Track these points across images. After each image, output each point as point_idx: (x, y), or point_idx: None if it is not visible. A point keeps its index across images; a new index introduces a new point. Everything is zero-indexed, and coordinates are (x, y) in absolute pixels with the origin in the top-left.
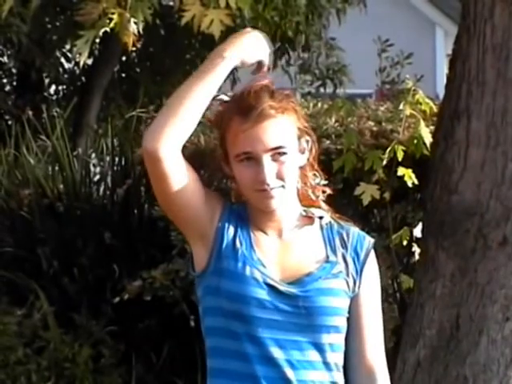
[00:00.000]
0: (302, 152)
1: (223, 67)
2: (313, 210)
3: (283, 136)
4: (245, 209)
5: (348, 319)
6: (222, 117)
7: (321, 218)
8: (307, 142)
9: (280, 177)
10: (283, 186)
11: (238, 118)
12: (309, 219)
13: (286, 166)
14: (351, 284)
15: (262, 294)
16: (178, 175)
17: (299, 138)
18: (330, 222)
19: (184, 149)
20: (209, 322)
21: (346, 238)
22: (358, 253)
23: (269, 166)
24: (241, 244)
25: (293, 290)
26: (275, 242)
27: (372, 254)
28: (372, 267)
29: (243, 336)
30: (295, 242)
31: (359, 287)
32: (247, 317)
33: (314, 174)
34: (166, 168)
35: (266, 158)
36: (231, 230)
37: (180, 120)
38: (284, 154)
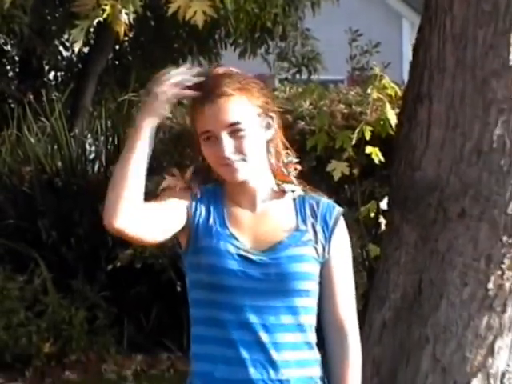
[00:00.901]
0: (268, 127)
1: (141, 136)
2: (286, 184)
3: (240, 113)
4: (222, 186)
5: (321, 282)
6: (191, 101)
7: (293, 191)
8: (272, 118)
9: (240, 151)
10: (244, 160)
11: (200, 100)
12: (281, 193)
13: (245, 141)
14: (320, 250)
15: (236, 265)
16: (146, 226)
17: (260, 115)
18: (302, 195)
19: (171, 129)
20: (193, 294)
21: (315, 208)
22: (326, 221)
23: (227, 142)
24: (214, 222)
25: (265, 258)
26: (249, 214)
27: (341, 221)
28: (341, 234)
29: (222, 305)
30: (268, 213)
31: (328, 253)
32: (224, 287)
33: (287, 153)
34: (132, 232)
35: (224, 135)
36: (203, 213)
37: (124, 196)
38: (241, 129)
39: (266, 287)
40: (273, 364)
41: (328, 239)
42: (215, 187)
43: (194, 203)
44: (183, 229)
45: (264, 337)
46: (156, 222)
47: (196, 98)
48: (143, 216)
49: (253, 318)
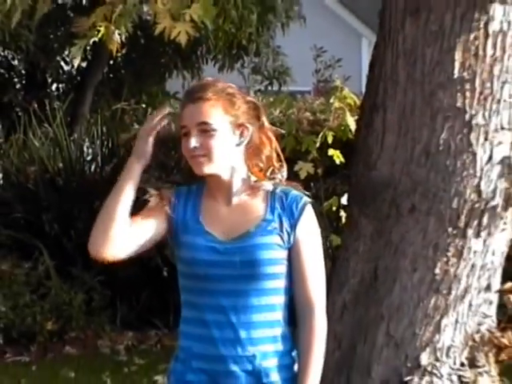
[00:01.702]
0: (241, 135)
1: (130, 176)
2: (262, 182)
3: (212, 116)
4: (203, 184)
5: (291, 266)
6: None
7: (267, 187)
8: (246, 128)
9: (205, 147)
10: (207, 155)
11: (185, 101)
12: (256, 188)
13: (211, 140)
14: (285, 237)
15: (208, 256)
16: (132, 248)
17: (233, 123)
18: (274, 189)
19: (158, 134)
20: (179, 281)
21: (284, 199)
22: (292, 210)
23: (195, 136)
24: (189, 218)
25: (233, 247)
26: (223, 207)
27: (307, 210)
28: (308, 221)
29: (198, 290)
30: (240, 207)
31: (294, 239)
32: (199, 275)
33: (281, 165)
34: (121, 256)
35: (194, 131)
36: (180, 212)
37: (112, 231)
38: (210, 130)
39: (235, 273)
40: (240, 342)
41: (293, 227)
42: (198, 185)
43: (171, 207)
44: (168, 229)
45: (234, 318)
46: (140, 241)
47: (183, 100)
48: (129, 241)
49: (224, 301)
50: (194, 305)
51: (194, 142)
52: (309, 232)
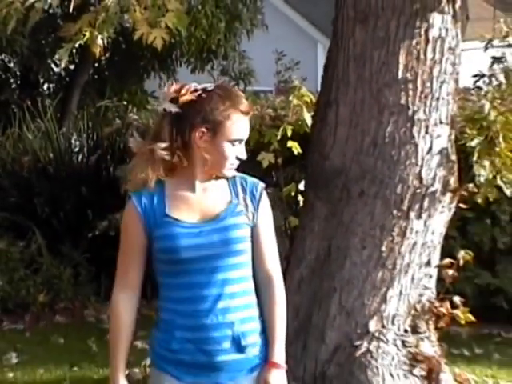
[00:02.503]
0: None
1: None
2: None
3: None
4: (160, 183)
5: (252, 242)
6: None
7: (228, 175)
8: None
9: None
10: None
11: (235, 108)
12: (219, 177)
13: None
14: (251, 217)
15: (186, 241)
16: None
17: None
18: (234, 177)
19: (138, 128)
20: (156, 267)
21: (244, 185)
22: (254, 194)
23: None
24: (158, 214)
25: (208, 228)
26: (190, 195)
27: (264, 194)
28: (265, 203)
29: (178, 272)
30: (207, 193)
31: (257, 219)
32: (179, 260)
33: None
34: None
35: (243, 143)
36: (149, 212)
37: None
38: None
39: (212, 253)
40: (220, 311)
41: (256, 208)
42: (146, 186)
43: (141, 215)
44: (144, 233)
45: (213, 291)
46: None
47: (230, 103)
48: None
49: (203, 278)
50: (173, 285)
51: (244, 154)
52: (267, 213)
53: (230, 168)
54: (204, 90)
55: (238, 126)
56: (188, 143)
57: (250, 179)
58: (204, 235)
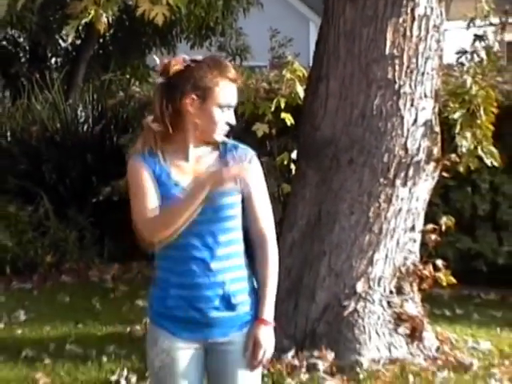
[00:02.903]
0: None
1: (199, 199)
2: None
3: None
4: (153, 150)
5: (245, 206)
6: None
7: (218, 140)
8: None
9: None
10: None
11: (221, 76)
12: (212, 144)
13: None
14: (239, 184)
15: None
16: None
17: None
18: (226, 145)
19: (140, 100)
20: None
21: (234, 152)
22: (242, 161)
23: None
24: (162, 174)
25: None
26: (185, 162)
27: (254, 160)
28: (255, 169)
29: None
30: (200, 161)
31: (247, 185)
32: None
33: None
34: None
35: (231, 108)
36: (156, 170)
37: (171, 233)
38: None
39: (203, 218)
40: (212, 272)
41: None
42: (151, 152)
43: (148, 166)
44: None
45: (205, 253)
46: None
47: (216, 72)
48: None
49: (197, 241)
50: (168, 245)
51: (234, 119)
52: (257, 178)
53: (219, 133)
54: (193, 60)
55: (226, 92)
56: (179, 110)
57: (240, 146)
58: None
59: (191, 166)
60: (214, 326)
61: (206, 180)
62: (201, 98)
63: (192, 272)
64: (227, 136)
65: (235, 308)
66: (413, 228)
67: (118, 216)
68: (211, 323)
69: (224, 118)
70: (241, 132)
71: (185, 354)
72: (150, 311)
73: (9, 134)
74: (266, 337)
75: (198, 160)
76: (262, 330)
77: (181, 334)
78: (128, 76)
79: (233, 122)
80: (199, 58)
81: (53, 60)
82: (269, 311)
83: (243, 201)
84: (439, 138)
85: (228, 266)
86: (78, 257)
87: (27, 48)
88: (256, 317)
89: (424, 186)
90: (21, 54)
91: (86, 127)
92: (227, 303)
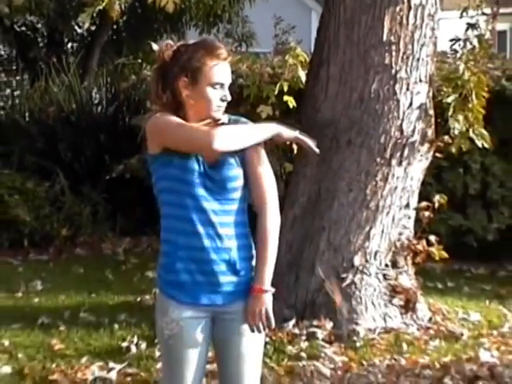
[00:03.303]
0: None
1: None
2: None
3: None
4: None
5: (249, 178)
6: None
7: (224, 118)
8: None
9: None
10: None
11: (211, 56)
12: (217, 120)
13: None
14: (242, 156)
15: (197, 167)
16: None
17: None
18: (228, 119)
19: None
20: (160, 184)
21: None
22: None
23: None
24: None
25: (210, 168)
26: None
27: None
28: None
29: (184, 193)
30: None
31: (249, 157)
32: (188, 181)
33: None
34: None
35: (226, 86)
36: None
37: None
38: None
39: (214, 187)
40: (219, 237)
41: (243, 151)
42: None
43: None
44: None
45: (213, 218)
46: None
47: (205, 53)
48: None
49: (206, 205)
50: (179, 205)
51: (228, 96)
52: (259, 152)
53: (217, 110)
54: (183, 44)
55: (216, 70)
56: (175, 93)
57: (243, 120)
58: (206, 174)
59: None
60: (219, 291)
61: (278, 127)
62: (192, 79)
63: (201, 235)
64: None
65: (239, 274)
66: (407, 205)
67: (130, 193)
68: (217, 288)
69: (217, 96)
70: (246, 114)
71: (193, 323)
72: (159, 281)
73: (27, 114)
74: (265, 303)
75: None
76: (260, 296)
77: (188, 302)
78: (140, 60)
79: (228, 98)
80: (190, 42)
81: (69, 45)
82: (267, 278)
83: (245, 176)
84: (433, 120)
85: (234, 233)
86: (92, 231)
87: (45, 33)
88: (254, 284)
89: (418, 165)
90: (39, 39)
91: (99, 108)
92: (232, 268)
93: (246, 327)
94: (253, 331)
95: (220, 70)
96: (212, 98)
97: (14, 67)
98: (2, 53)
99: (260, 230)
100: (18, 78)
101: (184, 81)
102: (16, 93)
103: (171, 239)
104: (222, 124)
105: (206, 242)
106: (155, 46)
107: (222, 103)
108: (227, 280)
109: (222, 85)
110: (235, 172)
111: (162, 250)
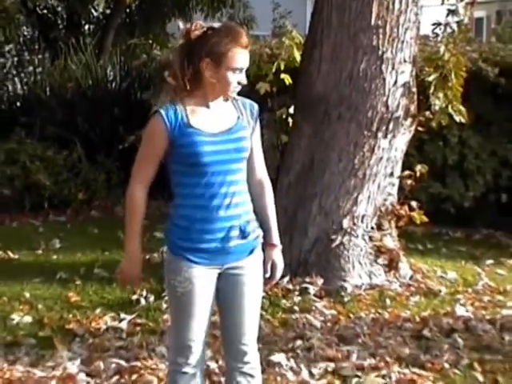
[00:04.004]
0: None
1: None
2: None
3: None
4: (177, 103)
5: (252, 150)
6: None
7: (232, 96)
8: None
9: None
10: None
11: (234, 43)
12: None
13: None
14: (250, 131)
15: (205, 148)
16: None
17: None
18: (237, 99)
19: (159, 62)
20: (175, 168)
21: (246, 105)
22: (252, 112)
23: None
24: (182, 125)
25: (225, 137)
26: (207, 111)
27: (257, 113)
28: (258, 121)
29: (196, 173)
30: (219, 109)
31: (253, 133)
32: (199, 163)
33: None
34: None
35: (243, 71)
36: (173, 124)
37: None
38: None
39: (226, 157)
40: (229, 206)
41: (255, 123)
42: (172, 104)
43: (167, 125)
44: (167, 142)
45: (224, 189)
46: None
47: (229, 39)
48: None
49: (217, 179)
50: (192, 183)
51: (245, 80)
52: (259, 128)
53: (233, 91)
54: (210, 27)
55: (238, 57)
56: (198, 71)
57: (248, 101)
58: (221, 143)
59: (212, 113)
60: (230, 253)
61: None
62: (215, 62)
63: (214, 207)
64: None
65: (247, 236)
66: (392, 174)
67: None
68: (228, 251)
69: (236, 79)
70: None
71: (203, 280)
72: (172, 245)
73: (48, 89)
74: (279, 256)
75: (217, 109)
76: (276, 251)
77: (201, 263)
78: (150, 41)
79: (244, 82)
80: (216, 25)
81: (86, 27)
82: (277, 236)
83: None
84: (416, 97)
85: (240, 201)
86: (106, 195)
87: (64, 16)
88: (272, 241)
89: (402, 138)
90: (59, 22)
91: (113, 84)
92: (242, 233)
93: (250, 280)
94: (269, 284)
95: (241, 57)
96: (231, 80)
97: (37, 47)
98: (26, 33)
99: (265, 200)
100: (39, 56)
101: (208, 62)
102: (38, 70)
103: (187, 213)
104: (234, 99)
105: (219, 213)
106: (181, 25)
107: (238, 85)
108: (237, 243)
109: (241, 70)
110: (247, 143)
111: (176, 215)
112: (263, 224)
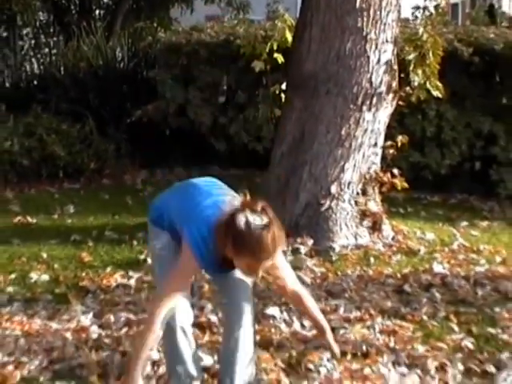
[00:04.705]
0: None
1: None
2: None
3: None
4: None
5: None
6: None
7: None
8: None
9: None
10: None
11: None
12: None
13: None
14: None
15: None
16: None
17: None
18: None
19: (163, 44)
20: None
21: None
22: None
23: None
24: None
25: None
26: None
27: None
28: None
29: None
30: None
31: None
32: None
33: None
34: None
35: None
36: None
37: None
38: None
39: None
40: None
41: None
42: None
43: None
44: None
45: None
46: None
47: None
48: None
49: None
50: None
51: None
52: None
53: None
54: (246, 230)
55: (254, 266)
56: (223, 247)
57: None
58: None
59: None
60: None
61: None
62: (235, 255)
63: None
64: None
65: None
66: (375, 144)
67: (148, 135)
68: None
69: (247, 268)
70: (242, 68)
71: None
72: (150, 221)
73: (62, 69)
74: (331, 336)
75: None
76: (328, 335)
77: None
78: (155, 25)
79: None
80: (253, 231)
81: (97, 12)
82: (325, 323)
83: None
84: (397, 74)
85: None
86: (116, 165)
87: (77, 2)
88: (321, 332)
89: (384, 111)
90: (72, 7)
91: (122, 64)
92: None
93: None
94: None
95: (257, 266)
96: (242, 268)
97: (52, 30)
98: (42, 18)
99: (307, 300)
100: (54, 39)
101: (230, 250)
102: (53, 51)
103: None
104: None
105: None
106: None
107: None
108: None
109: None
110: None
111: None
112: (316, 324)
